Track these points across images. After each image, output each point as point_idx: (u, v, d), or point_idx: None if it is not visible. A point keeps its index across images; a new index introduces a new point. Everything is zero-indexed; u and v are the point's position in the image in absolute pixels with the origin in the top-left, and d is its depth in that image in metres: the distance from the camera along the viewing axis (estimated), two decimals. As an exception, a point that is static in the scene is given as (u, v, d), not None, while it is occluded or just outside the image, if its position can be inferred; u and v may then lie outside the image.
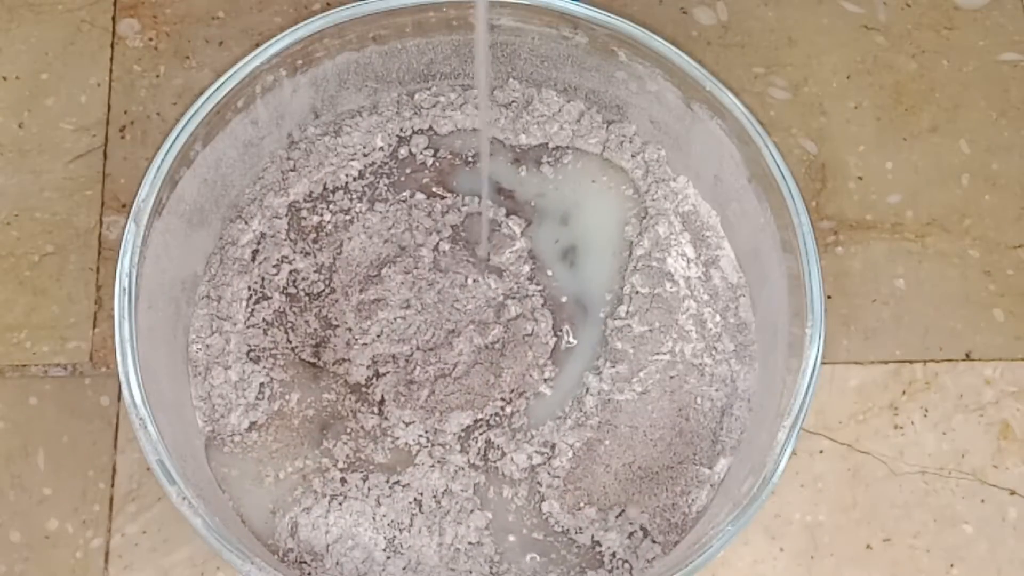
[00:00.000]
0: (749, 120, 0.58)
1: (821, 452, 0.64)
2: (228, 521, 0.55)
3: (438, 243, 0.63)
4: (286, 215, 0.64)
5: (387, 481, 0.59)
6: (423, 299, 0.62)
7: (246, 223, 0.63)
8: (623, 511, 0.59)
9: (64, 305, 0.65)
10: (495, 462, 0.60)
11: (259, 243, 0.63)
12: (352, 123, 0.65)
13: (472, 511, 0.59)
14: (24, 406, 0.63)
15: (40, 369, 0.64)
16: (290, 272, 0.63)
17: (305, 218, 0.64)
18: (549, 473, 0.59)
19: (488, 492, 0.59)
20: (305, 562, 0.57)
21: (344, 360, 0.61)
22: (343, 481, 0.59)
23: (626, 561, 0.58)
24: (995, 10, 0.73)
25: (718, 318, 0.62)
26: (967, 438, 0.65)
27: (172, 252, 0.59)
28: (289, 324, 0.62)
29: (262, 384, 0.60)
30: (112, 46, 0.70)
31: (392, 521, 0.58)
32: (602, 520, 0.59)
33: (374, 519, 0.58)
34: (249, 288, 0.62)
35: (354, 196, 0.64)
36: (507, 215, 0.64)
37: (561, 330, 0.62)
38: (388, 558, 0.58)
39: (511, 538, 0.59)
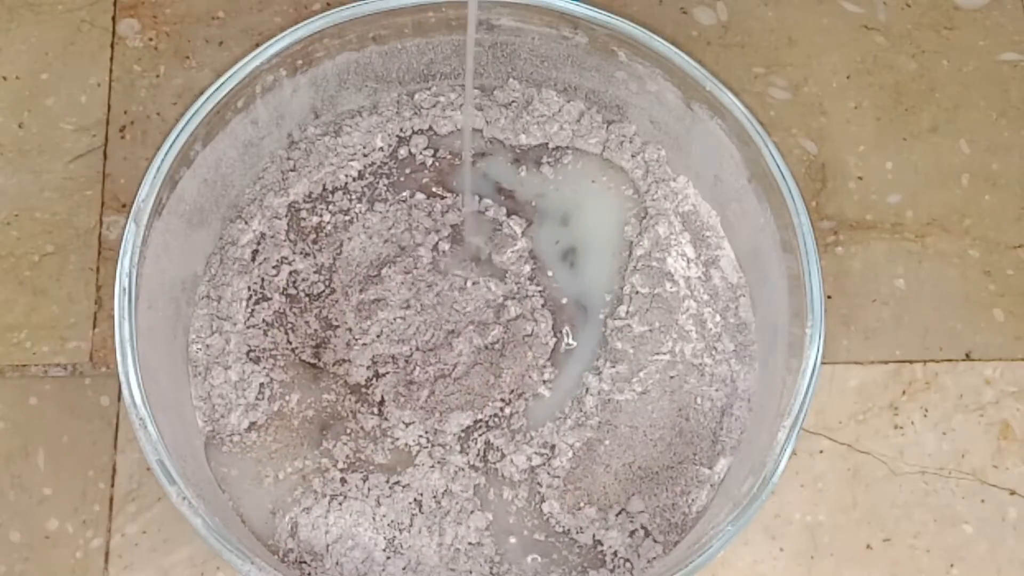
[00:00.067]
0: (749, 120, 0.58)
1: (821, 452, 0.64)
2: (228, 521, 0.55)
3: (438, 243, 0.63)
4: (286, 215, 0.64)
5: (387, 481, 0.59)
6: (423, 299, 0.62)
7: (246, 223, 0.63)
8: (623, 509, 0.59)
9: (64, 305, 0.65)
10: (495, 464, 0.60)
11: (259, 243, 0.63)
12: (352, 123, 0.65)
13: (472, 512, 0.59)
14: (24, 406, 0.63)
15: (40, 369, 0.64)
16: (290, 273, 0.63)
17: (305, 219, 0.64)
18: (549, 473, 0.59)
19: (488, 494, 0.59)
20: (305, 562, 0.57)
21: (344, 361, 0.61)
22: (343, 481, 0.59)
23: (627, 560, 0.58)
24: (995, 10, 0.73)
25: (718, 318, 0.62)
26: (967, 438, 0.65)
27: (172, 252, 0.59)
28: (289, 325, 0.62)
29: (262, 384, 0.60)
30: (112, 46, 0.70)
31: (392, 521, 0.58)
32: (602, 519, 0.59)
33: (374, 519, 0.58)
34: (249, 288, 0.62)
35: (353, 196, 0.64)
36: (508, 215, 0.64)
37: (561, 331, 0.62)
38: (388, 558, 0.58)
39: (512, 540, 0.59)
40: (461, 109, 0.66)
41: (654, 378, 0.61)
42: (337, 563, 0.57)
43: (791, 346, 0.57)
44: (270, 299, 0.62)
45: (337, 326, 0.62)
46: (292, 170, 0.64)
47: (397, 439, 0.60)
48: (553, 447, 0.60)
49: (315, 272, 0.63)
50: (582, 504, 0.59)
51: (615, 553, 0.58)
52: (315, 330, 0.62)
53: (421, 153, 0.65)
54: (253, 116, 0.61)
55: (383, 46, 0.63)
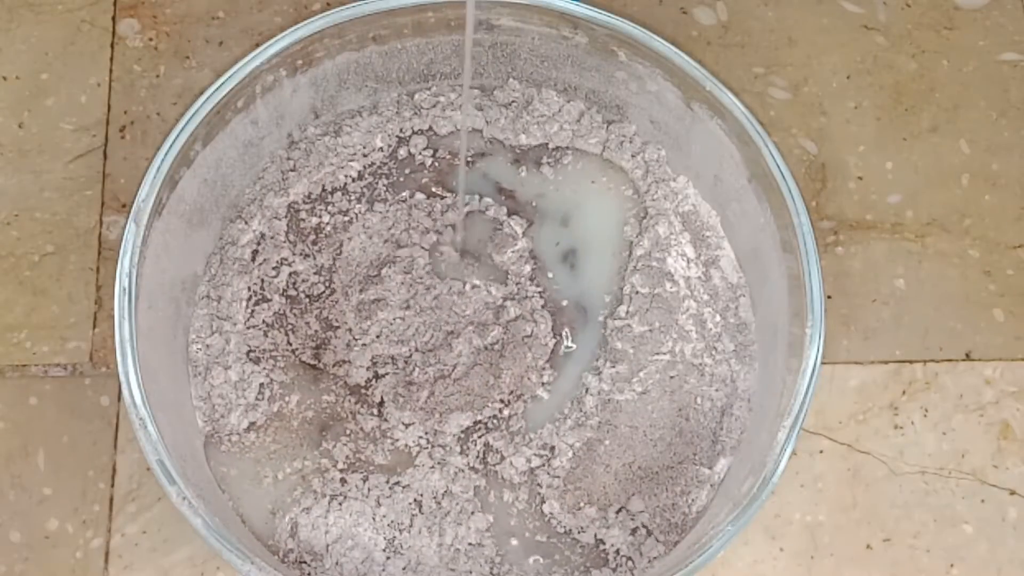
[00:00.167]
0: (749, 120, 0.58)
1: (821, 452, 0.64)
2: (228, 521, 0.55)
3: (437, 243, 0.63)
4: (286, 216, 0.64)
5: (387, 482, 0.59)
6: (422, 300, 0.62)
7: (246, 223, 0.63)
8: (623, 507, 0.59)
9: (64, 305, 0.65)
10: (494, 466, 0.60)
11: (259, 243, 0.63)
12: (352, 123, 0.65)
13: (473, 513, 0.59)
14: (24, 406, 0.63)
15: (40, 369, 0.64)
16: (290, 274, 0.63)
17: (304, 219, 0.64)
18: (549, 474, 0.59)
19: (489, 496, 0.59)
20: (305, 562, 0.57)
21: (344, 362, 0.61)
22: (343, 481, 0.59)
23: (629, 559, 0.58)
24: (995, 10, 0.73)
25: (718, 318, 0.62)
26: (967, 438, 0.65)
27: (172, 252, 0.59)
28: (289, 326, 0.62)
29: (262, 385, 0.60)
30: (112, 46, 0.70)
31: (392, 522, 0.58)
32: (602, 518, 0.59)
33: (374, 519, 0.58)
34: (249, 288, 0.62)
35: (353, 197, 0.64)
36: (508, 215, 0.64)
37: (561, 333, 0.62)
38: (388, 558, 0.58)
39: (514, 541, 0.59)
40: (461, 109, 0.66)
41: (654, 378, 0.61)
42: (337, 563, 0.57)
43: (791, 346, 0.57)
44: (270, 300, 0.62)
45: (337, 327, 0.62)
46: (292, 170, 0.64)
47: (397, 440, 0.60)
48: (552, 448, 0.60)
49: (315, 273, 0.63)
50: (582, 504, 0.59)
51: (617, 551, 0.58)
52: (315, 331, 0.62)
53: (421, 153, 0.65)
54: (253, 116, 0.61)
55: (383, 46, 0.63)
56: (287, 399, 0.60)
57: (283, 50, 0.59)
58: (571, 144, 0.66)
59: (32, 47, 0.70)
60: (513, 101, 0.66)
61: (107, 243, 0.66)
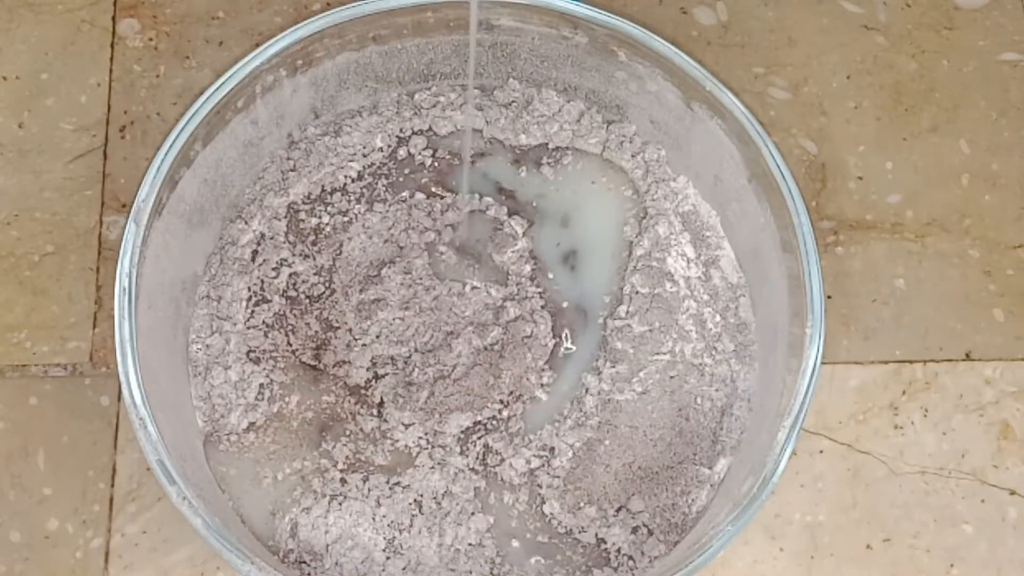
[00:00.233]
0: (749, 120, 0.58)
1: (821, 452, 0.64)
2: (228, 521, 0.55)
3: (437, 243, 0.63)
4: (285, 216, 0.64)
5: (387, 482, 0.59)
6: (422, 301, 0.62)
7: (246, 223, 0.63)
8: (622, 506, 0.59)
9: (64, 305, 0.65)
10: (494, 467, 0.60)
11: (259, 243, 0.63)
12: (352, 123, 0.65)
13: (473, 513, 0.59)
14: (24, 406, 0.63)
15: (40, 369, 0.64)
16: (290, 275, 0.63)
17: (304, 220, 0.64)
18: (549, 474, 0.59)
19: (489, 498, 0.59)
20: (305, 562, 0.57)
21: (344, 362, 0.61)
22: (343, 481, 0.59)
23: (631, 557, 0.58)
24: (995, 10, 0.73)
25: (718, 318, 0.62)
26: (967, 438, 0.65)
27: (172, 252, 0.59)
28: (290, 327, 0.62)
29: (261, 385, 0.60)
30: (112, 46, 0.70)
31: (392, 522, 0.58)
32: (603, 517, 0.59)
33: (374, 519, 0.58)
34: (249, 289, 0.62)
35: (352, 197, 0.64)
36: (509, 215, 0.64)
37: (561, 335, 0.62)
38: (388, 558, 0.58)
39: (515, 543, 0.59)
40: (461, 109, 0.66)
41: (654, 378, 0.61)
42: (337, 563, 0.57)
43: (791, 346, 0.57)
44: (270, 301, 0.62)
45: (337, 327, 0.62)
46: (292, 170, 0.64)
47: (397, 441, 0.60)
48: (552, 449, 0.60)
49: (315, 274, 0.63)
50: (582, 504, 0.59)
51: (619, 550, 0.58)
52: (315, 332, 0.62)
53: (420, 153, 0.65)
54: (253, 116, 0.61)
55: (383, 46, 0.63)
56: (287, 399, 0.60)
57: (283, 50, 0.59)
58: (571, 144, 0.66)
59: (32, 47, 0.70)
60: (513, 101, 0.66)
61: (107, 243, 0.66)
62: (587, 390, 0.61)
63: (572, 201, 0.65)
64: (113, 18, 0.71)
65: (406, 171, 0.65)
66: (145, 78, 0.69)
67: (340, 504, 0.58)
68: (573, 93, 0.66)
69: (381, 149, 0.65)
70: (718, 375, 0.61)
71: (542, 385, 0.61)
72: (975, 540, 0.63)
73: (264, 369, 0.61)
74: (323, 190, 0.64)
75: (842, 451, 0.64)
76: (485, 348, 0.61)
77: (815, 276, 0.56)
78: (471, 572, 0.58)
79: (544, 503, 0.59)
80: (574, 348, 0.62)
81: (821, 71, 0.72)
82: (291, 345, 0.61)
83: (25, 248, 0.66)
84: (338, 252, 0.63)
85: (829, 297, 0.66)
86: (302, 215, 0.64)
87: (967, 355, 0.67)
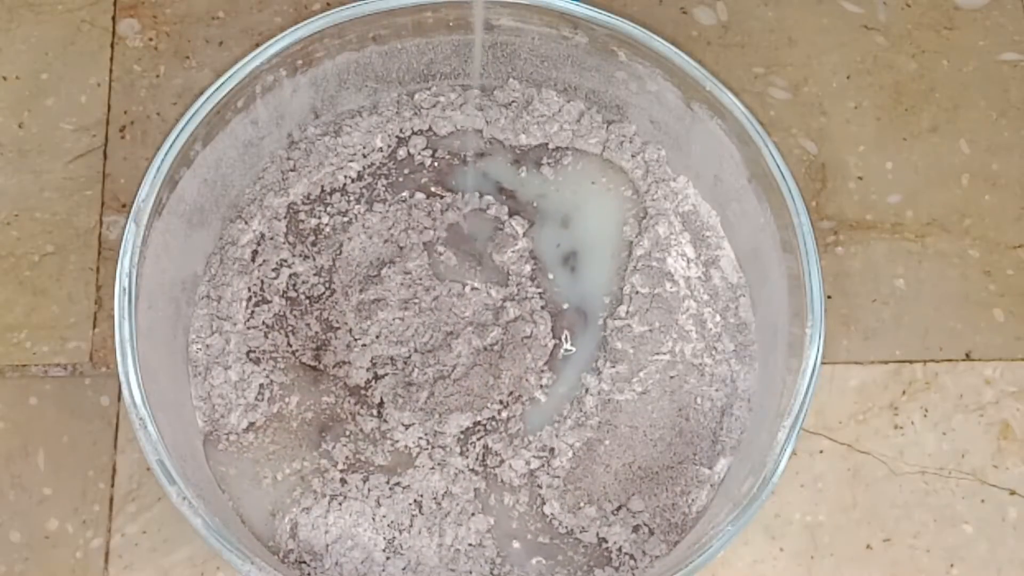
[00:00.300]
0: (749, 120, 0.58)
1: (821, 452, 0.64)
2: (228, 521, 0.55)
3: (437, 243, 0.63)
4: (285, 216, 0.64)
5: (387, 482, 0.59)
6: (422, 301, 0.62)
7: (246, 223, 0.63)
8: (623, 506, 0.59)
9: (64, 305, 0.65)
10: (494, 468, 0.60)
11: (259, 244, 0.63)
12: (352, 123, 0.65)
13: (473, 514, 0.59)
14: (24, 406, 0.63)
15: (40, 369, 0.64)
16: (290, 276, 0.63)
17: (304, 220, 0.64)
18: (549, 474, 0.59)
19: (489, 499, 0.59)
20: (305, 562, 0.57)
21: (344, 363, 0.61)
22: (343, 482, 0.59)
23: (632, 556, 0.58)
24: (995, 10, 0.73)
25: (718, 318, 0.62)
26: (967, 438, 0.65)
27: (172, 252, 0.59)
28: (290, 328, 0.62)
29: (261, 385, 0.60)
30: (112, 46, 0.70)
31: (392, 522, 0.58)
32: (603, 517, 0.59)
33: (374, 519, 0.58)
34: (249, 289, 0.62)
35: (352, 198, 0.64)
36: (510, 215, 0.64)
37: (560, 337, 0.62)
38: (388, 559, 0.58)
39: (516, 544, 0.59)
40: (462, 109, 0.66)
41: (654, 378, 0.61)
42: (337, 563, 0.57)
43: (791, 346, 0.57)
44: (270, 301, 0.62)
45: (337, 327, 0.62)
46: (292, 170, 0.64)
47: (397, 441, 0.60)
48: (552, 450, 0.60)
49: (315, 274, 0.63)
50: (582, 504, 0.59)
51: (620, 549, 0.58)
52: (315, 332, 0.62)
53: (420, 153, 0.65)
54: (253, 116, 0.61)
55: (383, 46, 0.63)
56: (287, 400, 0.60)
57: (283, 50, 0.59)
58: (571, 144, 0.66)
59: (32, 47, 0.70)
60: (513, 101, 0.66)
61: (107, 243, 0.66)
62: (587, 390, 0.61)
63: (572, 201, 0.65)
64: (113, 18, 0.71)
65: (406, 171, 0.65)
66: (145, 78, 0.69)
67: (340, 504, 0.58)
68: (573, 93, 0.66)
69: (381, 149, 0.65)
70: (718, 375, 0.61)
71: (542, 386, 0.61)
72: (975, 540, 0.63)
73: (264, 369, 0.61)
74: (323, 190, 0.64)
75: (842, 451, 0.64)
76: (485, 348, 0.61)
77: (815, 276, 0.56)
78: (471, 572, 0.58)
79: (544, 504, 0.59)
80: (574, 350, 0.62)
81: (821, 71, 0.72)
82: (291, 345, 0.61)
83: (25, 248, 0.66)
84: (338, 252, 0.63)
85: (829, 297, 0.66)
86: (302, 215, 0.64)
87: (967, 355, 0.67)
